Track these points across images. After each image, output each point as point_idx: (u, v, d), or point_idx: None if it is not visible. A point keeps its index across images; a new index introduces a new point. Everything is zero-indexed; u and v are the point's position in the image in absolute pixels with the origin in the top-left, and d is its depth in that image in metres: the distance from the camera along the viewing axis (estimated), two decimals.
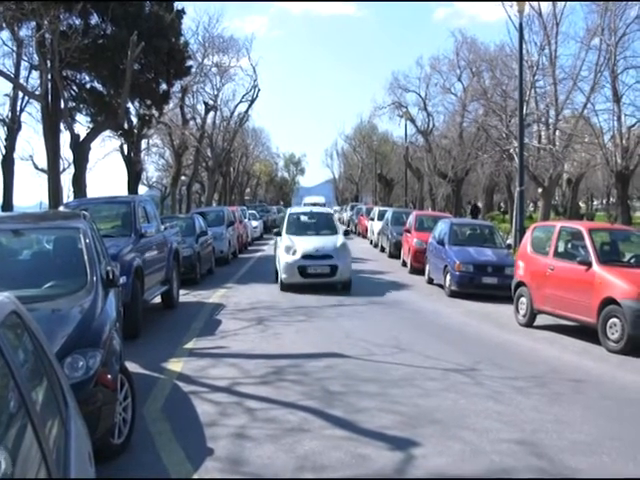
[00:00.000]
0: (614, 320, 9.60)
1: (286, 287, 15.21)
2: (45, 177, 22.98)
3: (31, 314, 2.94)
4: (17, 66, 25.06)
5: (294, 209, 19.34)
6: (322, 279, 15.29)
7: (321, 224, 17.49)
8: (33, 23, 20.40)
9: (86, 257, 6.46)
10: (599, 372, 8.53)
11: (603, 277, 10.03)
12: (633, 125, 29.18)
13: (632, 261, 11.03)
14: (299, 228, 16.97)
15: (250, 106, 47.35)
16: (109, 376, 5.16)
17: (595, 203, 79.53)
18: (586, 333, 10.46)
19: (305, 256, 15.24)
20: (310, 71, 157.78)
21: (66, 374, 4.61)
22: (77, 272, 6.38)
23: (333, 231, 17.00)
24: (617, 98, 28.18)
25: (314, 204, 33.89)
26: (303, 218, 18.05)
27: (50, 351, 3.04)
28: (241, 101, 47.34)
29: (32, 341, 2.76)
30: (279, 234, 16.80)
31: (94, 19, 22.40)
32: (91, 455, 2.99)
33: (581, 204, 63.35)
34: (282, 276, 15.37)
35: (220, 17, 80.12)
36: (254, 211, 41.00)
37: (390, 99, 46.88)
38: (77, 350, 5.06)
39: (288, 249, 15.42)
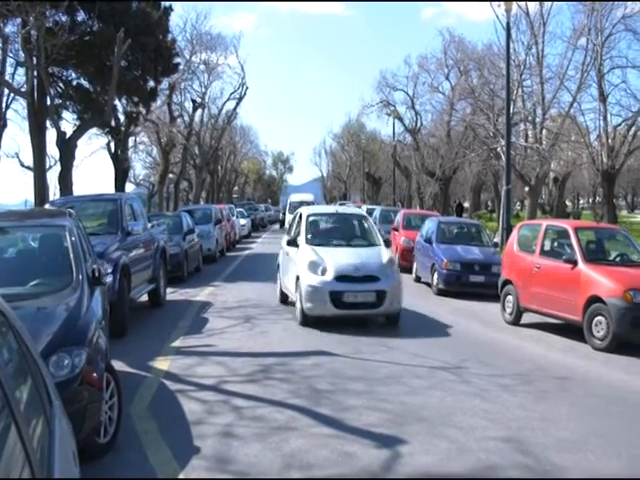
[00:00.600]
0: (599, 318, 9.67)
1: (312, 321, 10.85)
2: (31, 174, 22.88)
3: (16, 312, 2.91)
4: (2, 63, 24.90)
5: (312, 209, 14.37)
6: (363, 311, 11.00)
7: (353, 231, 12.98)
8: (19, 19, 20.23)
9: (72, 255, 6.43)
10: (585, 370, 8.59)
11: (589, 275, 10.10)
12: (619, 124, 29.45)
13: (617, 259, 11.11)
14: (323, 236, 12.43)
15: (238, 104, 47.48)
16: (95, 374, 5.13)
17: (581, 202, 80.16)
18: (572, 331, 10.53)
19: (340, 277, 10.76)
20: (298, 69, 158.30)
21: (51, 372, 4.59)
22: (63, 270, 6.34)
23: (371, 241, 12.44)
24: (603, 97, 28.41)
25: (301, 202, 33.03)
26: (327, 222, 13.55)
27: (34, 349, 3.02)
28: (229, 99, 47.50)
29: (16, 339, 2.74)
30: (294, 244, 12.02)
31: (80, 16, 22.27)
32: (75, 454, 2.97)
33: (567, 203, 63.75)
34: (305, 305, 10.77)
35: (208, 14, 79.88)
36: (242, 209, 40.96)
37: (378, 98, 47.08)
38: (62, 348, 5.03)
39: (314, 266, 10.93)
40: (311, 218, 12.69)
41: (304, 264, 11.11)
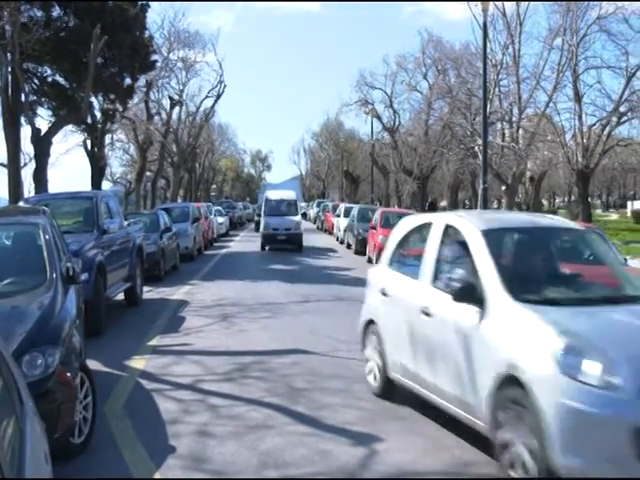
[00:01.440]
0: None
1: None
2: (5, 172, 22.53)
3: None
4: None
5: (484, 219, 6.38)
6: None
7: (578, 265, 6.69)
8: None
9: (46, 253, 6.37)
10: None
11: None
12: (594, 124, 29.84)
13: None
14: (537, 282, 5.68)
15: (216, 101, 47.34)
16: (69, 374, 5.09)
17: (557, 201, 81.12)
18: None
19: None
20: (277, 67, 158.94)
21: (24, 372, 4.55)
22: (36, 269, 6.28)
23: (621, 287, 5.88)
24: (578, 98, 28.79)
25: (281, 200, 31.04)
26: (524, 249, 6.30)
27: (5, 349, 2.99)
28: (207, 96, 47.29)
29: None
30: (471, 298, 5.31)
31: (56, 11, 22.02)
32: (47, 455, 2.94)
33: (544, 202, 64.46)
34: (563, 460, 4.15)
35: (186, 11, 79.29)
36: (220, 207, 40.78)
37: (357, 96, 47.25)
38: (36, 348, 4.97)
39: (576, 362, 4.30)
40: (495, 239, 5.81)
41: (543, 354, 4.53)
